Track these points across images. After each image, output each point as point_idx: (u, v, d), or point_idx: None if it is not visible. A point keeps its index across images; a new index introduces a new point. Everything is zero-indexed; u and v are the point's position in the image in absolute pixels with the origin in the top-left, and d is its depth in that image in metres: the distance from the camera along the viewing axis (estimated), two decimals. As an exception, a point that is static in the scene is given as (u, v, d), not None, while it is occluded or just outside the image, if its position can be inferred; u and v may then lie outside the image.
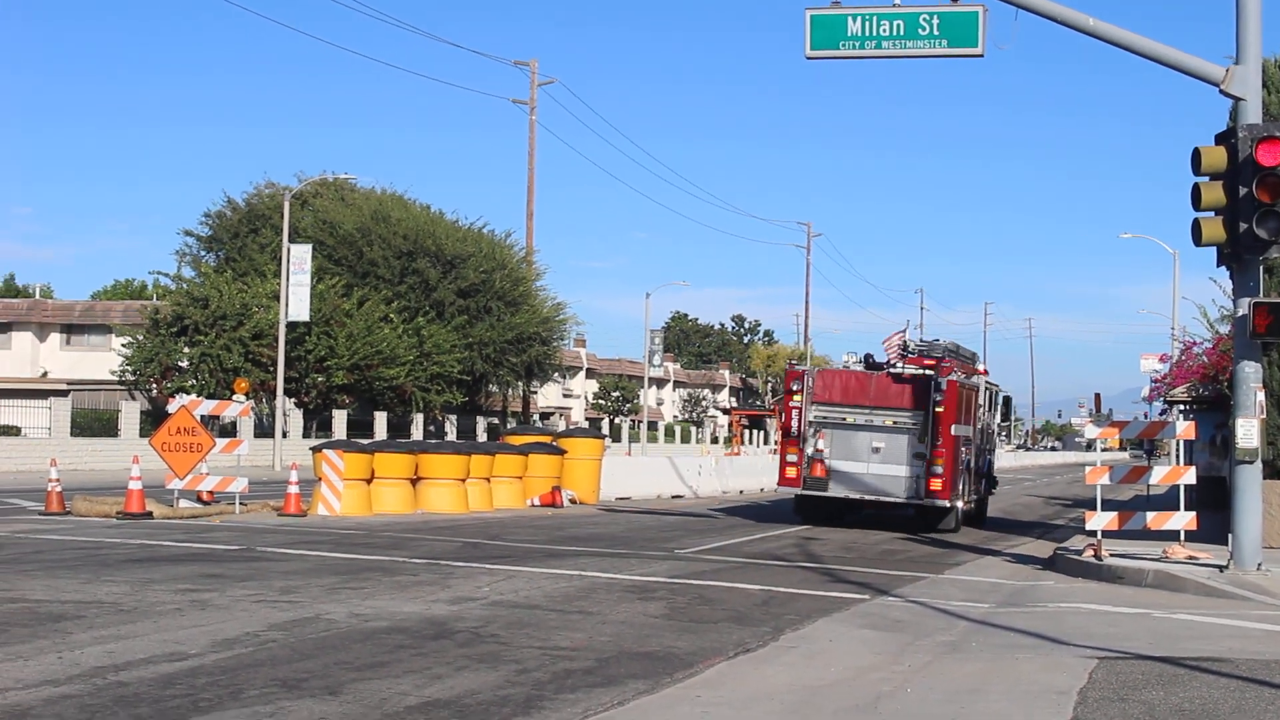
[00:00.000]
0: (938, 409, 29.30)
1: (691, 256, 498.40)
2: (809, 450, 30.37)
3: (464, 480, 29.57)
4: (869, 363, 32.10)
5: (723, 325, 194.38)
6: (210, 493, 27.98)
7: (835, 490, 30.34)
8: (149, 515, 25.23)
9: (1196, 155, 18.36)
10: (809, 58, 20.28)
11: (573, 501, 33.17)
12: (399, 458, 28.20)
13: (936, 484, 29.23)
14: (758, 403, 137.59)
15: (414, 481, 28.62)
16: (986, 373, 35.05)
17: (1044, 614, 15.80)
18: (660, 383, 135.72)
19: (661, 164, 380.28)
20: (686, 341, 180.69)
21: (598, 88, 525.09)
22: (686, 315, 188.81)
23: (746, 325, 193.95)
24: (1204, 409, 36.25)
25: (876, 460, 30.16)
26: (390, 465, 27.92)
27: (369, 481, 27.59)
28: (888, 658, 12.40)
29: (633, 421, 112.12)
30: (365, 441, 29.59)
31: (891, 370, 31.23)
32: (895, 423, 30.06)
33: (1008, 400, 38.25)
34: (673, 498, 39.39)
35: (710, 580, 18.08)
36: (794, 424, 30.47)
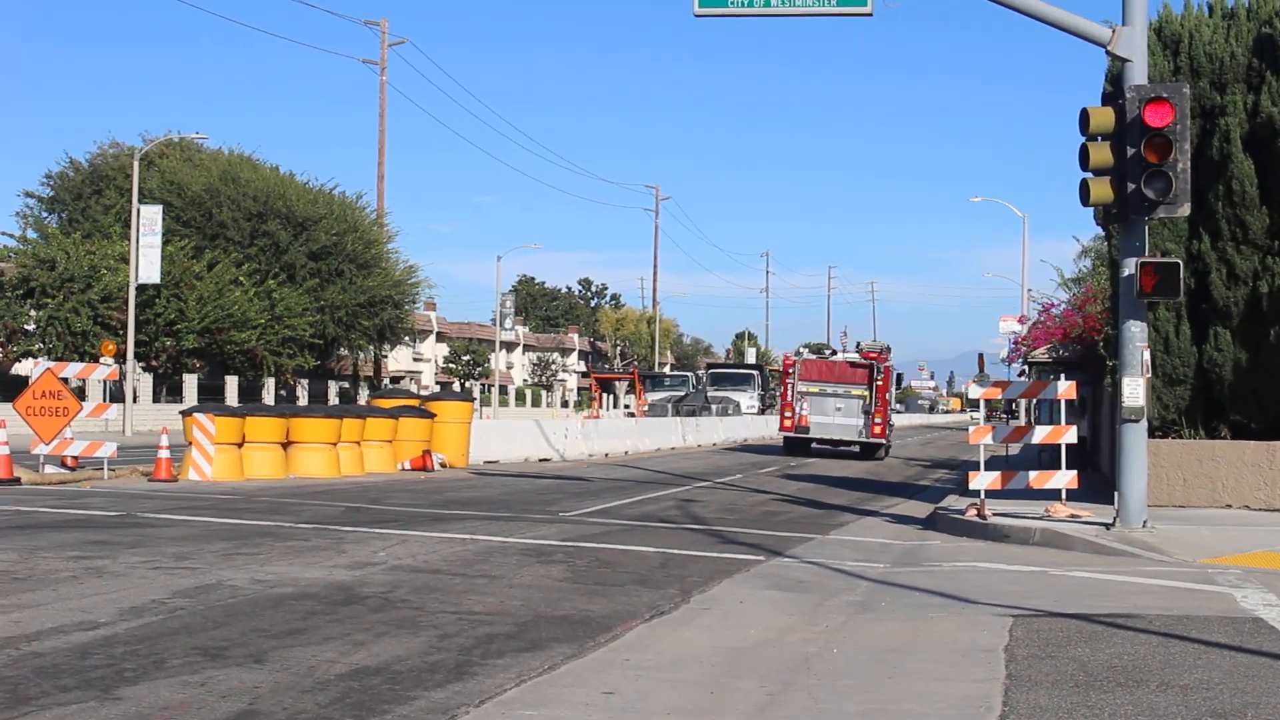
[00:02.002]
0: (878, 383, 48.27)
1: (539, 220, 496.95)
2: (797, 410, 48.63)
3: (335, 444, 29.16)
4: (832, 352, 51.46)
5: (570, 289, 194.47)
6: (75, 458, 27.25)
7: (814, 434, 48.91)
8: (17, 481, 24.54)
9: (1085, 116, 18.50)
10: (697, 15, 20.08)
11: (443, 465, 32.84)
12: (271, 421, 27.73)
13: (877, 430, 48.45)
14: (606, 365, 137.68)
15: (284, 446, 28.15)
16: (923, 368, 62.37)
17: (942, 573, 15.84)
18: (510, 346, 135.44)
19: (512, 127, 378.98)
20: (534, 305, 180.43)
21: (449, 50, 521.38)
22: (534, 279, 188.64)
23: (594, 289, 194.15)
24: (1064, 370, 36.67)
25: (839, 416, 48.69)
26: (262, 429, 27.42)
27: (240, 446, 27.08)
28: (802, 618, 12.34)
29: (483, 385, 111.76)
30: (237, 405, 29.02)
31: (849, 359, 49.67)
32: (851, 393, 48.65)
33: (900, 376, 54.82)
34: (540, 461, 39.18)
35: (603, 543, 17.95)
36: (789, 395, 49.08)
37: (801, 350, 52.50)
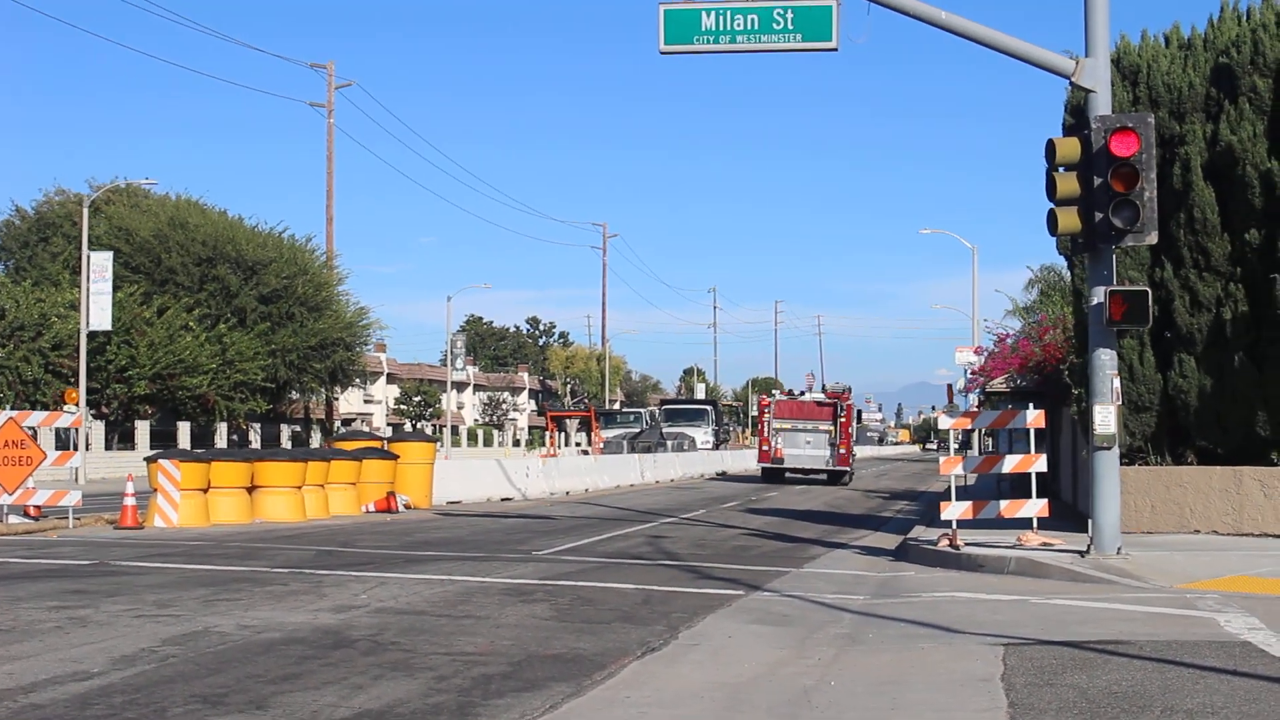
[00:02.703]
0: (842, 419, 56.45)
1: (486, 260, 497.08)
2: (774, 444, 56.48)
3: (300, 488, 29.04)
4: (801, 394, 59.70)
5: (518, 328, 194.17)
6: (39, 507, 26.99)
7: (789, 464, 56.56)
8: (-20, 532, 24.34)
9: (1051, 147, 18.67)
10: (663, 53, 20.17)
11: (407, 506, 32.77)
12: (236, 466, 27.59)
13: (842, 460, 56.29)
14: (558, 403, 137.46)
15: (249, 490, 28.01)
16: (870, 400, 77.15)
17: (923, 604, 15.89)
18: (461, 386, 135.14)
19: (459, 166, 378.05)
20: (483, 345, 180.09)
21: (396, 92, 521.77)
22: (482, 318, 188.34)
23: (542, 327, 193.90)
24: (1022, 399, 36.84)
25: (809, 448, 56.39)
26: (227, 474, 27.29)
27: (205, 491, 26.93)
28: (792, 652, 12.36)
29: (434, 426, 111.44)
30: (201, 451, 28.88)
31: (816, 399, 58.26)
32: (818, 428, 56.52)
33: (860, 412, 67.12)
34: (502, 500, 39.08)
35: (581, 581, 17.92)
36: (765, 431, 57.15)
37: (774, 393, 61.43)
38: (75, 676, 10.61)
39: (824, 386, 62.21)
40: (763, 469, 57.62)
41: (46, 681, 10.41)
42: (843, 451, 56.32)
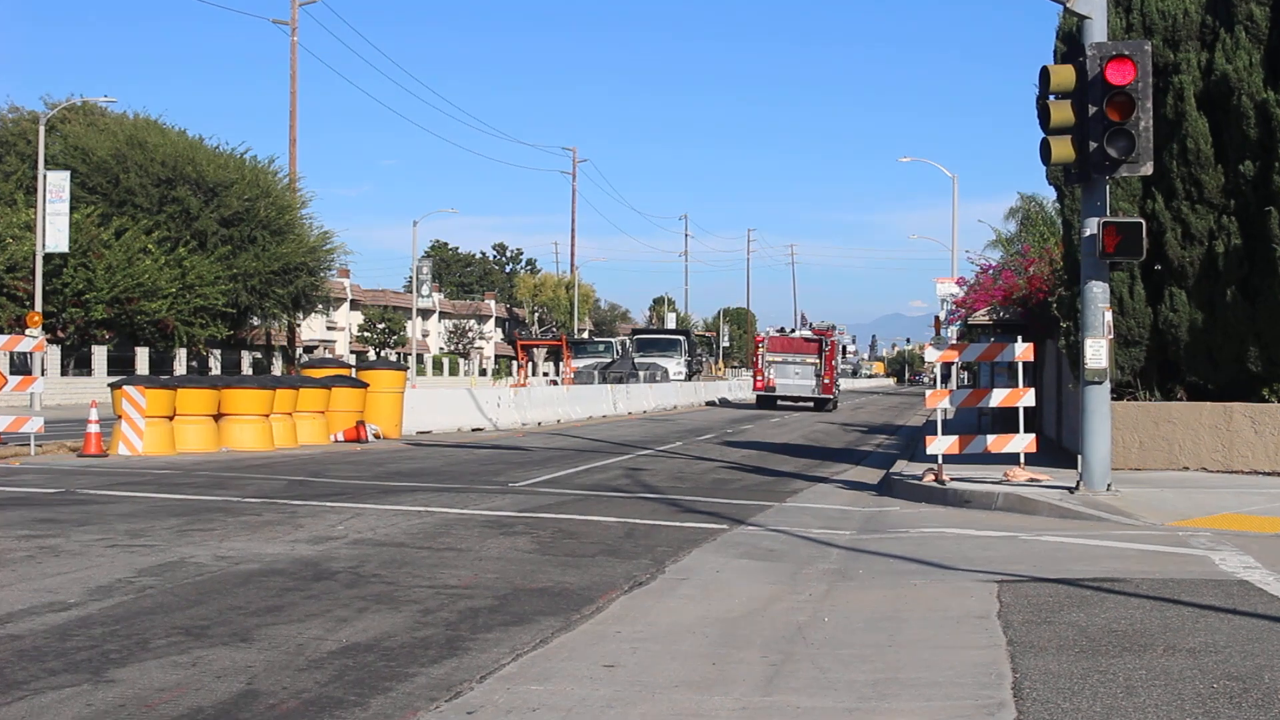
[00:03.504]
0: (826, 353, 66.40)
1: (453, 185, 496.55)
2: (767, 375, 66.62)
3: (268, 416, 28.97)
4: (792, 330, 70.22)
5: (484, 254, 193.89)
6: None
7: (780, 392, 66.75)
8: (-59, 459, 24.26)
9: (1045, 74, 18.60)
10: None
11: (376, 436, 32.74)
12: (203, 393, 27.49)
13: (827, 389, 66.57)
14: (525, 332, 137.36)
15: (216, 418, 27.94)
16: (843, 332, 79.96)
17: (911, 540, 15.94)
18: (427, 314, 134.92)
19: (425, 87, 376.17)
20: (448, 271, 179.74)
21: (363, 15, 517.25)
22: (448, 244, 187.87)
23: (509, 254, 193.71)
24: (1005, 332, 36.91)
25: (797, 379, 66.50)
26: (194, 402, 27.21)
27: (171, 419, 26.85)
28: (784, 588, 12.41)
29: (399, 354, 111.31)
30: (167, 377, 28.70)
31: (804, 335, 68.59)
32: (805, 360, 66.37)
33: (844, 347, 75.71)
34: (473, 430, 39.10)
35: (561, 514, 17.96)
36: (759, 363, 67.29)
37: (769, 330, 70.63)
38: (52, 607, 10.60)
39: (810, 325, 73.20)
40: (757, 396, 68.70)
41: (23, 612, 10.40)
42: (827, 381, 67.05)
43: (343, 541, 14.72)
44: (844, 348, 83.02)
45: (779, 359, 67.08)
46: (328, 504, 18.40)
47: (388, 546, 14.42)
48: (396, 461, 26.83)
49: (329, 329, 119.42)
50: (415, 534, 15.54)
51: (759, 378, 67.89)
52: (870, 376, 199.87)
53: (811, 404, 67.26)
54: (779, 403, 68.10)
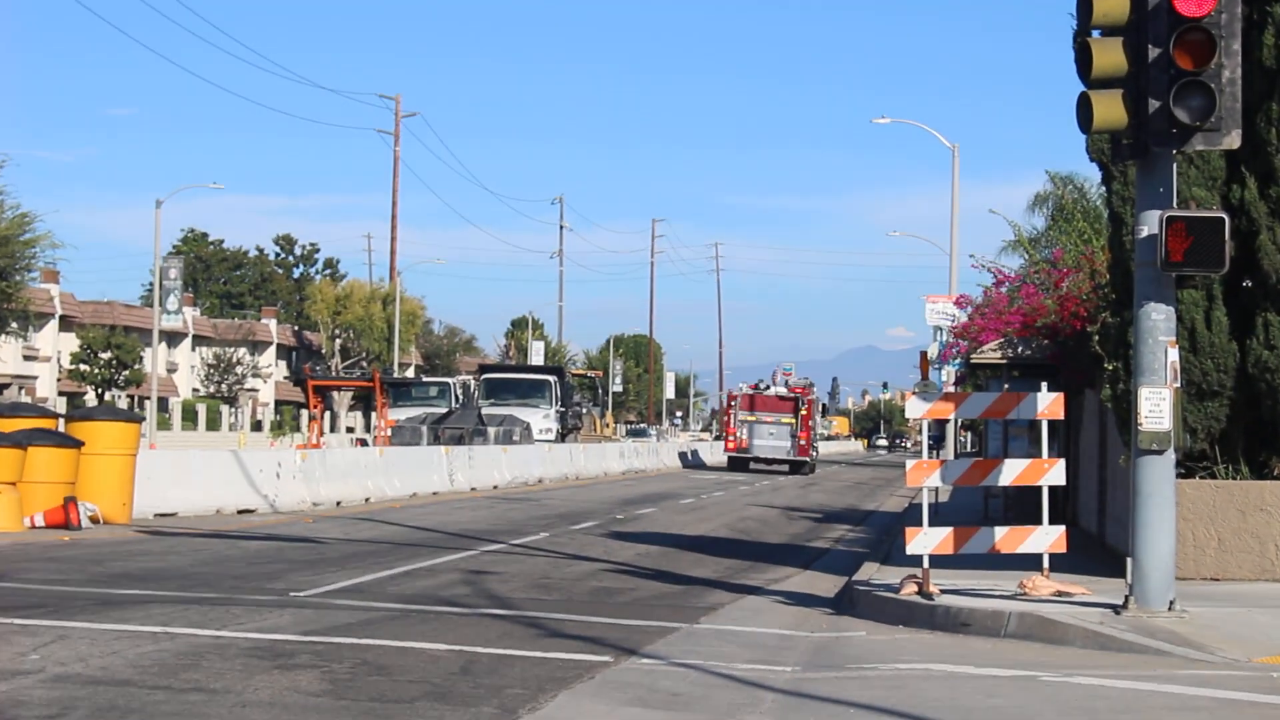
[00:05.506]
0: (803, 412, 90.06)
1: (217, 147, 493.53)
2: (739, 434, 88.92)
3: (-75, 490, 28.72)
4: (766, 387, 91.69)
5: (262, 251, 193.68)
6: None
7: (754, 454, 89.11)
8: None
9: (1086, 1, 18.64)
10: None
11: (95, 520, 32.42)
12: None
13: (804, 449, 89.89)
14: (318, 367, 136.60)
15: None
16: (790, 374, 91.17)
17: (881, 679, 16.02)
18: (175, 338, 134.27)
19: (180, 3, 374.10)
20: (208, 276, 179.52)
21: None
22: (207, 236, 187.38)
23: (300, 251, 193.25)
24: (1023, 373, 36.97)
25: (772, 439, 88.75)
26: None
27: None
28: (690, 755, 12.43)
29: (132, 398, 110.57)
30: None
31: (778, 393, 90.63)
32: (781, 420, 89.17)
33: (825, 406, 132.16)
34: (240, 512, 38.87)
35: (366, 638, 17.92)
36: (732, 422, 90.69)
37: (741, 386, 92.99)
38: None
39: (786, 382, 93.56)
40: (729, 458, 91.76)
41: None
42: (803, 443, 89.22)
43: (37, 678, 14.58)
44: (824, 406, 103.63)
45: (752, 418, 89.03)
46: (18, 621, 18.26)
47: (105, 685, 14.30)
48: (125, 558, 26.68)
49: (26, 358, 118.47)
50: (147, 668, 15.42)
51: (730, 438, 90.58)
52: (828, 437, 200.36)
53: (787, 467, 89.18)
54: (751, 465, 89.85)
